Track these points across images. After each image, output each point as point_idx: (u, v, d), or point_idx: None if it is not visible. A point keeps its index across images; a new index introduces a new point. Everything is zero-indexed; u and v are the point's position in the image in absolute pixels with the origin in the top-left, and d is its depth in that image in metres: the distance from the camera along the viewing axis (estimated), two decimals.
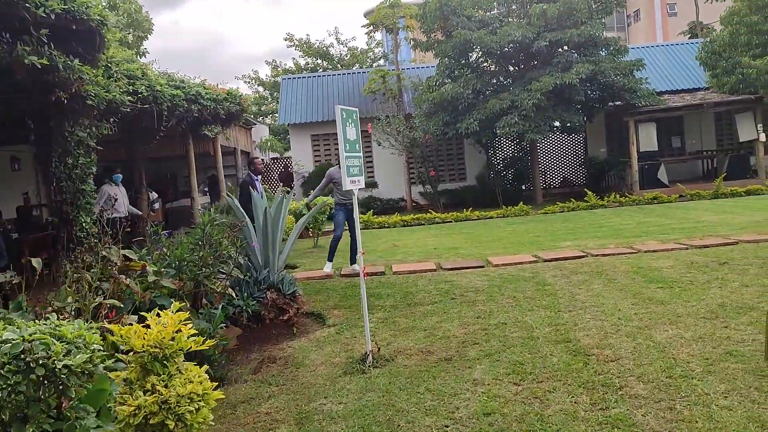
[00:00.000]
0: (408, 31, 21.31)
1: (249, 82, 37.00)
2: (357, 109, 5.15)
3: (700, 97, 19.49)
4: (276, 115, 32.07)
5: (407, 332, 5.89)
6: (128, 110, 8.12)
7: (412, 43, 19.70)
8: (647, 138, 18.70)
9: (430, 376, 4.60)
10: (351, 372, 4.89)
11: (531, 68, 18.37)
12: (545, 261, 9.12)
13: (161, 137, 13.01)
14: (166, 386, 2.76)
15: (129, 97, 8.07)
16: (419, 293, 7.48)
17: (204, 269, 5.74)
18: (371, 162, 21.67)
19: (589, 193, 17.00)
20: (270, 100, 36.99)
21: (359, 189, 5.19)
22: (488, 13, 18.42)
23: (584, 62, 16.66)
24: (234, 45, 75.52)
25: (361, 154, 5.17)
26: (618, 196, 17.22)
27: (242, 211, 6.64)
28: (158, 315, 2.96)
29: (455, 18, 17.93)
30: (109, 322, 4.26)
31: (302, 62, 35.26)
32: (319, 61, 35.66)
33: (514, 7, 19.01)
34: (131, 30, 21.01)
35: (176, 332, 2.91)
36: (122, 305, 4.48)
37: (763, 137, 18.41)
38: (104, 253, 5.46)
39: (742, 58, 18.07)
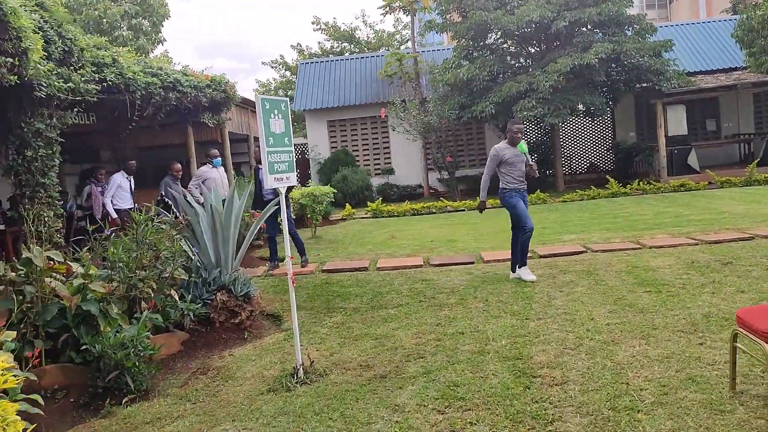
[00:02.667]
0: (426, 12, 20.60)
1: (275, 67, 36.71)
2: (287, 99, 4.66)
3: (735, 77, 18.29)
4: None
5: (357, 340, 5.42)
6: (95, 99, 7.79)
7: (427, 24, 18.95)
8: (676, 121, 17.65)
9: (354, 397, 4.13)
10: (276, 389, 4.46)
11: (552, 49, 17.49)
12: (540, 257, 8.53)
13: (162, 126, 12.73)
14: None
15: (95, 86, 7.73)
16: (390, 294, 6.99)
17: (139, 271, 5.37)
18: (388, 148, 21.15)
19: (611, 180, 16.13)
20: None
21: (288, 186, 4.69)
22: None
23: (604, 42, 15.72)
24: (270, 30, 75.38)
25: (291, 148, 4.68)
26: (643, 183, 16.29)
27: (194, 206, 6.23)
28: None
29: None
30: None
31: (328, 46, 34.76)
32: (346, 44, 35.11)
33: None
34: (146, 16, 20.80)
35: None
36: None
37: None
38: (26, 254, 5.15)
39: None
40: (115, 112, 8.62)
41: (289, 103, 4.70)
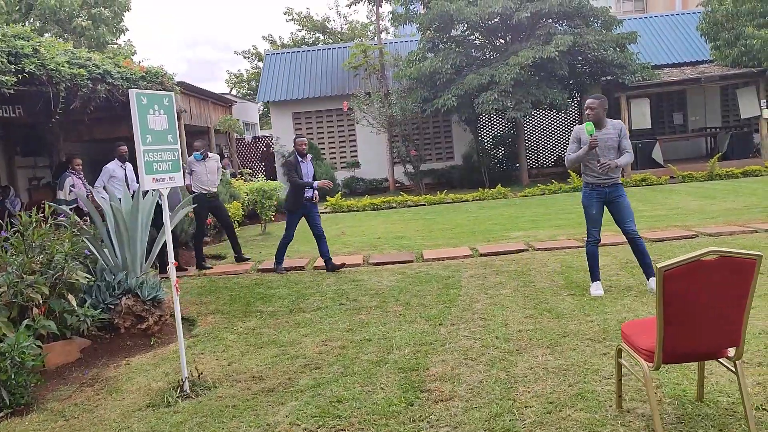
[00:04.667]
0: (394, 2, 20.23)
1: (248, 57, 36.20)
2: (171, 94, 4.35)
3: (700, 70, 18.18)
4: None
5: (262, 348, 5.15)
6: (11, 91, 7.42)
7: (391, 15, 18.65)
8: (640, 115, 17.53)
9: (231, 415, 3.86)
10: (156, 404, 4.17)
11: (516, 41, 17.26)
12: (481, 255, 8.31)
13: (117, 117, 12.33)
14: None
15: (11, 77, 7.35)
16: (314, 296, 6.72)
17: (27, 276, 5.05)
18: (354, 141, 20.86)
19: (573, 174, 15.95)
20: None
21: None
22: None
23: (565, 35, 15.51)
24: (252, 19, 74.30)
25: (176, 146, 4.38)
26: None
27: (92, 206, 5.91)
28: None
29: None
30: None
31: (300, 36, 34.31)
32: (319, 35, 34.68)
33: None
34: (106, 6, 20.23)
35: None
36: None
37: (767, 113, 17.11)
38: None
39: (745, 29, 16.72)
40: (38, 104, 8.24)
41: (174, 97, 4.39)
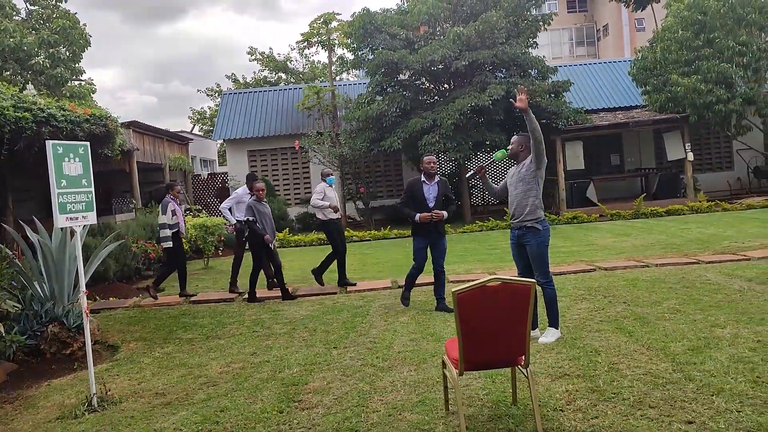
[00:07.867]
0: (344, 47, 21.23)
1: (211, 95, 36.97)
2: (87, 144, 5.00)
3: (631, 115, 19.43)
4: None
5: (172, 370, 5.72)
6: None
7: (340, 60, 19.62)
8: (574, 156, 18.61)
9: (127, 423, 4.44)
10: (65, 417, 4.73)
11: (459, 87, 18.30)
12: (399, 287, 8.98)
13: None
14: None
15: None
16: (233, 324, 7.32)
17: None
18: (308, 178, 21.60)
19: (508, 212, 16.84)
20: None
21: (86, 225, 5.02)
22: (412, 33, 18.30)
23: (498, 83, 16.58)
24: (230, 56, 75.72)
25: (90, 189, 5.01)
26: None
27: (21, 238, 6.47)
28: None
29: (379, 36, 17.87)
30: None
31: (262, 75, 35.23)
32: (281, 74, 35.65)
33: (437, 29, 18.94)
34: (65, 45, 20.84)
35: None
36: None
37: (691, 156, 18.32)
38: None
39: (671, 76, 18.00)
40: None
41: (89, 146, 5.04)
